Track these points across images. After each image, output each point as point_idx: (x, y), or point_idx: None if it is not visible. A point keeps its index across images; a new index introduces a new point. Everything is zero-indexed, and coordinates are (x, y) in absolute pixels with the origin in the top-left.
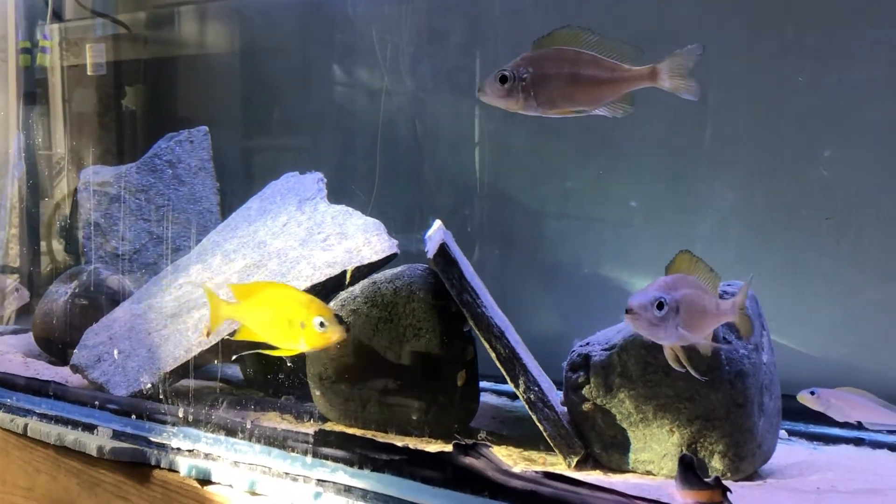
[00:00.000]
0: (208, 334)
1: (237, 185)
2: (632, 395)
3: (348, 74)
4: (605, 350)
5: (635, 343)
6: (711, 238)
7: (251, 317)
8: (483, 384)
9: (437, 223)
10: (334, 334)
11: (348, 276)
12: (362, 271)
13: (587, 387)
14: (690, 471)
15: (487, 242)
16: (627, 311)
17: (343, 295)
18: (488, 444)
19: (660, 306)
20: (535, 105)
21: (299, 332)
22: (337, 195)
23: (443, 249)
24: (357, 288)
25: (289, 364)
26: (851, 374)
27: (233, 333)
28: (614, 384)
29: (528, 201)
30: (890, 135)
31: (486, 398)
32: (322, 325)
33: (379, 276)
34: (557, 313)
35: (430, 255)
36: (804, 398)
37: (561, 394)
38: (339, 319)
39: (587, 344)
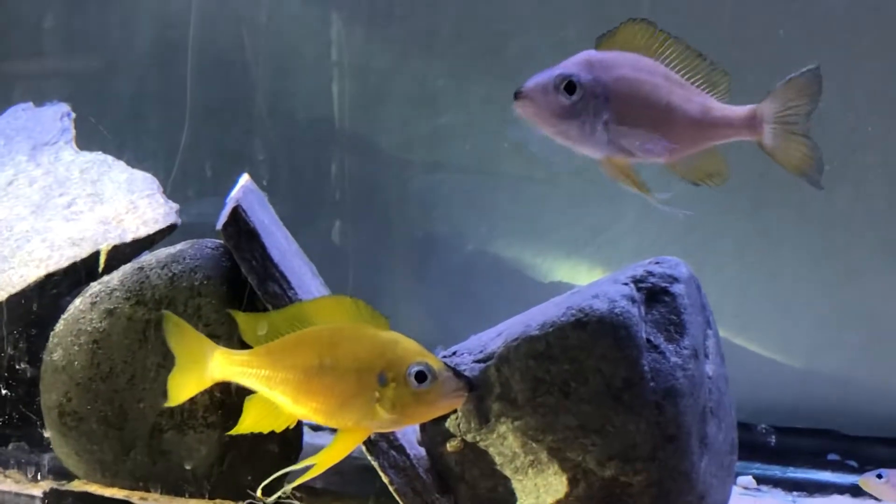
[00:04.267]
0: None
1: None
2: (517, 428)
3: None
4: (479, 361)
5: (521, 351)
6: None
7: (279, 374)
8: None
9: (243, 179)
10: (445, 396)
11: (102, 259)
12: (124, 252)
13: (453, 416)
14: None
15: (342, 207)
16: (516, 96)
17: (95, 288)
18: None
19: (569, 88)
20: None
21: (375, 393)
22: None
23: (236, 215)
24: (115, 277)
25: (3, 392)
26: (842, 388)
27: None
28: (492, 411)
29: (395, 147)
30: None
31: (323, 439)
32: (422, 377)
33: (149, 259)
34: (428, 307)
35: (219, 224)
36: (867, 484)
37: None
38: (455, 372)
39: (453, 354)
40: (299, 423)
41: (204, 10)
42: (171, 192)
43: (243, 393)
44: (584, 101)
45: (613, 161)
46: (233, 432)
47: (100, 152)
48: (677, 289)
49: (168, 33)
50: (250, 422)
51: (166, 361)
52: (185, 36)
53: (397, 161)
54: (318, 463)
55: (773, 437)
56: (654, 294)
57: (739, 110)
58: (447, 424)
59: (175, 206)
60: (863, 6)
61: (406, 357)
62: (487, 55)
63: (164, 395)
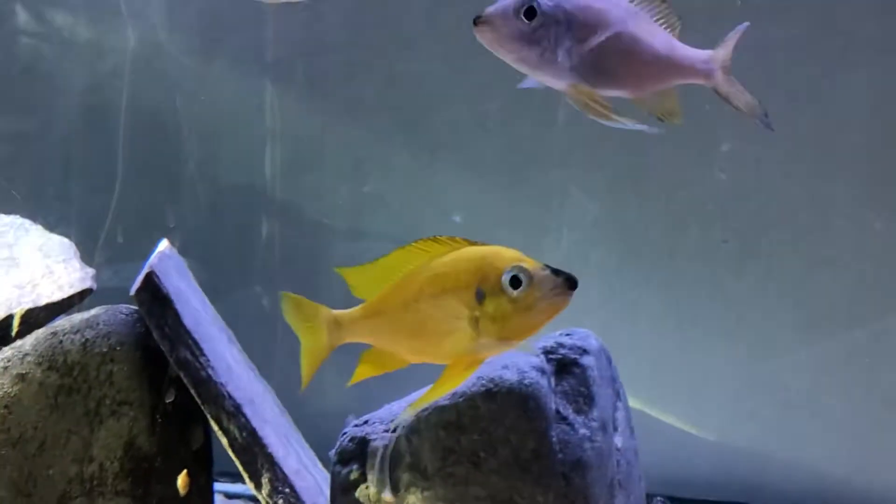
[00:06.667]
0: None
1: None
2: (427, 498)
3: (66, 21)
4: (390, 431)
5: (431, 420)
6: (567, 266)
7: (384, 319)
8: (241, 488)
9: (162, 245)
10: (544, 297)
11: (16, 323)
12: (38, 316)
13: (363, 487)
14: None
15: (269, 273)
16: (475, 22)
17: (7, 352)
18: None
19: (529, 14)
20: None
21: (476, 313)
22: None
23: (149, 281)
24: (28, 342)
25: None
26: (756, 461)
27: None
28: (402, 481)
29: (318, 215)
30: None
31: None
32: (516, 283)
33: (63, 325)
34: (350, 375)
35: (133, 290)
36: None
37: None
38: (554, 270)
39: (365, 423)
40: (212, 494)
41: (135, 77)
42: (99, 258)
43: (155, 458)
44: (544, 27)
45: (579, 88)
46: (350, 384)
47: (17, 216)
48: (587, 361)
49: (104, 99)
50: (363, 368)
51: (77, 427)
52: (120, 102)
53: (322, 228)
54: (422, 398)
55: None
56: (565, 365)
57: (700, 53)
58: (357, 494)
59: (91, 270)
60: None
61: (500, 266)
62: (410, 126)
63: (74, 461)
